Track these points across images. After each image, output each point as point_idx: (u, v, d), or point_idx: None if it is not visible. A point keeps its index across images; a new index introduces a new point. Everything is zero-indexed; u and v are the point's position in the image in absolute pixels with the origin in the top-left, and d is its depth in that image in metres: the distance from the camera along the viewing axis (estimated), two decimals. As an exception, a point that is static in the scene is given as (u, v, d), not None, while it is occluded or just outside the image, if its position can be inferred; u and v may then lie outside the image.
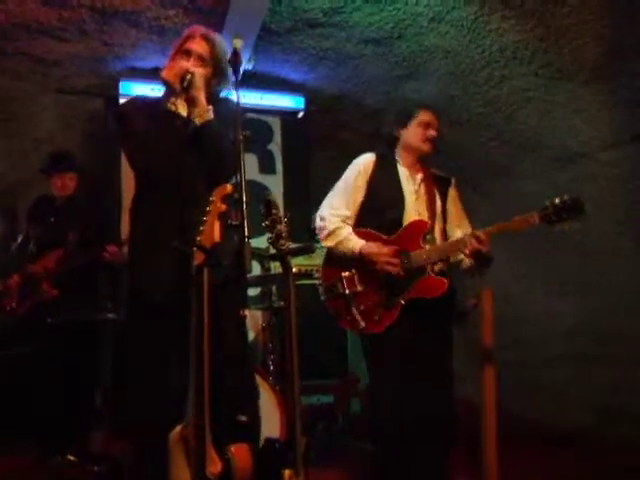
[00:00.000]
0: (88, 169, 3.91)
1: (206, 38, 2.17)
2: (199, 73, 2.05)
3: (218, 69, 2.16)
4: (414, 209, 2.49)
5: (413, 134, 2.55)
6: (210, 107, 2.07)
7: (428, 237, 2.44)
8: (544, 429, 3.83)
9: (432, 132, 2.53)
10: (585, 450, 3.46)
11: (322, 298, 2.55)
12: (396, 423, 2.33)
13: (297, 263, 3.64)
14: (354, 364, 4.22)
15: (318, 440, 3.52)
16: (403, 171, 2.57)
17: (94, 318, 3.34)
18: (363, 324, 2.39)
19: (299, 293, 1.85)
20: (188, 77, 2.02)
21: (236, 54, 2.01)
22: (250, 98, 4.30)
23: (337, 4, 3.36)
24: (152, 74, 4.07)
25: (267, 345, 3.43)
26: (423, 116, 2.55)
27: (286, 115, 4.60)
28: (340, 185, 2.61)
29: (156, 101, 2.18)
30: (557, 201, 2.20)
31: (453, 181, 2.65)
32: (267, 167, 4.52)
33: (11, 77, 3.98)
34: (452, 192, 2.63)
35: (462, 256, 2.45)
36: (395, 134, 2.60)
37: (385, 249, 2.39)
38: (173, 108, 2.08)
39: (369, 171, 2.56)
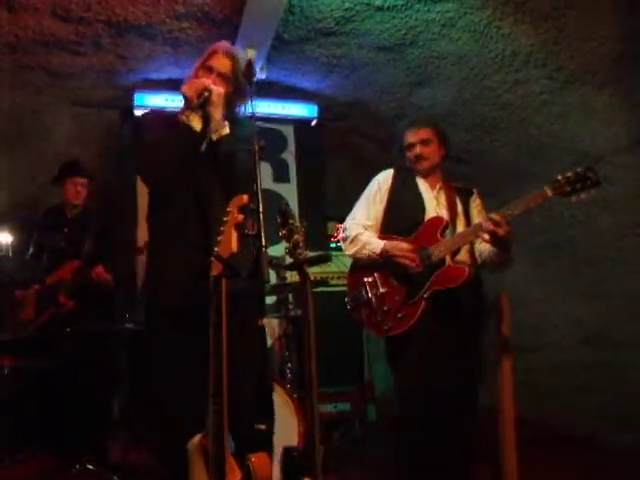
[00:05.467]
0: (104, 179, 3.96)
1: (229, 55, 2.20)
2: (217, 91, 2.07)
3: (239, 86, 2.19)
4: (434, 213, 2.54)
5: (406, 159, 2.66)
6: (226, 123, 2.10)
7: (447, 232, 2.46)
8: (560, 435, 3.79)
9: (415, 151, 2.60)
10: (602, 457, 3.42)
11: (348, 307, 2.60)
12: (422, 426, 2.34)
13: (312, 271, 3.64)
14: (371, 371, 4.22)
15: (336, 448, 3.52)
16: (422, 182, 2.64)
17: (112, 328, 3.37)
18: (388, 324, 2.42)
19: (315, 301, 1.85)
20: (205, 94, 2.04)
21: (250, 64, 2.05)
22: (264, 107, 4.32)
23: (349, 12, 3.38)
24: (166, 85, 4.13)
25: (284, 353, 3.43)
26: (406, 140, 2.64)
27: (300, 123, 4.62)
28: (360, 200, 2.71)
29: (173, 114, 2.20)
30: (569, 173, 2.21)
31: (475, 191, 2.67)
32: (281, 176, 4.55)
33: (29, 91, 4.05)
34: (475, 202, 2.64)
35: (484, 246, 2.45)
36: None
37: (404, 245, 2.44)
38: (187, 122, 2.10)
39: (388, 183, 2.65)
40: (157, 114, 2.36)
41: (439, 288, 2.37)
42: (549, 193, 2.22)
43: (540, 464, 3.04)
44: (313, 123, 4.59)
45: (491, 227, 2.27)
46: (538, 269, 4.43)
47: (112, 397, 3.67)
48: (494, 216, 2.29)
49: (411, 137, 2.62)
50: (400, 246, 2.44)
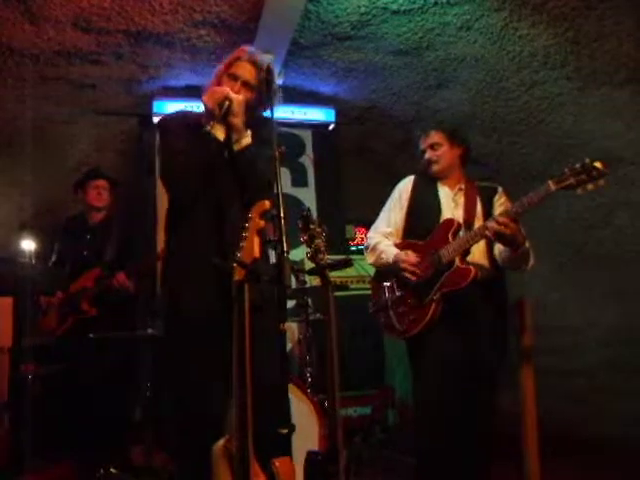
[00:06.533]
0: (124, 186, 4.01)
1: (253, 61, 2.16)
2: (237, 100, 2.05)
3: (262, 92, 2.16)
4: (450, 215, 2.54)
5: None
6: (248, 132, 2.09)
7: (460, 233, 2.46)
8: (581, 437, 3.75)
9: (427, 156, 2.63)
10: (623, 460, 3.37)
11: (370, 311, 2.66)
12: (436, 436, 2.34)
13: (332, 275, 3.65)
14: (390, 374, 4.20)
15: (356, 452, 3.51)
16: (441, 185, 2.65)
17: (134, 334, 3.40)
18: (400, 326, 2.47)
19: (335, 305, 1.85)
20: (226, 104, 2.02)
21: (269, 71, 2.05)
22: (281, 112, 4.34)
23: (365, 17, 3.39)
24: (184, 92, 4.18)
25: (304, 357, 3.43)
26: (421, 145, 2.67)
27: (317, 128, 4.64)
28: (383, 209, 2.76)
29: (198, 119, 2.18)
30: (576, 165, 2.17)
31: (500, 189, 2.65)
32: (299, 180, 4.57)
33: (51, 101, 4.13)
34: (500, 200, 2.61)
35: (501, 246, 2.43)
36: None
37: (412, 257, 2.46)
38: (210, 131, 2.07)
39: (409, 191, 2.69)
40: (181, 116, 2.31)
41: (448, 289, 2.38)
42: (552, 187, 2.19)
43: (559, 466, 3.00)
44: (330, 127, 4.62)
45: (495, 227, 2.26)
46: (558, 270, 4.39)
47: (134, 401, 3.71)
48: (498, 216, 2.28)
49: (421, 143, 2.67)
50: (405, 258, 2.48)
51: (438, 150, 2.61)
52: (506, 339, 2.51)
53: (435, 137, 2.62)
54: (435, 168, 2.62)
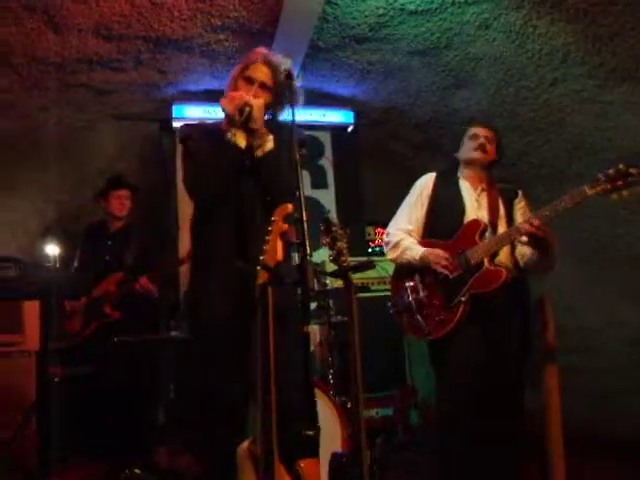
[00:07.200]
0: (145, 190, 4.06)
1: (268, 63, 2.16)
2: (257, 105, 2.05)
3: (280, 93, 2.17)
4: (474, 216, 2.53)
5: (465, 148, 2.66)
6: (270, 137, 2.09)
7: (486, 235, 2.45)
8: (606, 438, 3.69)
9: (480, 140, 2.60)
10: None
11: (390, 311, 2.64)
12: (460, 437, 2.34)
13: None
14: (412, 375, 4.19)
15: (379, 454, 3.50)
16: (464, 184, 2.64)
17: (157, 337, 3.44)
18: (427, 328, 2.45)
19: (357, 307, 1.86)
20: (247, 110, 2.02)
21: (289, 74, 2.06)
22: (300, 114, 4.33)
23: (383, 18, 3.39)
24: (203, 96, 4.22)
25: (326, 359, 3.43)
26: (472, 131, 2.66)
27: (336, 130, 4.66)
28: (402, 205, 2.73)
29: (217, 127, 2.19)
30: (610, 170, 2.16)
31: (520, 193, 2.64)
32: (319, 182, 4.58)
33: (73, 108, 4.20)
34: (520, 204, 2.61)
35: (525, 249, 2.43)
36: (456, 156, 2.72)
37: (442, 252, 2.45)
38: (232, 139, 2.08)
39: (430, 188, 2.67)
40: (200, 127, 2.33)
41: (477, 291, 2.37)
42: (588, 192, 2.18)
43: (585, 465, 2.97)
44: (349, 129, 4.63)
45: (528, 229, 2.25)
46: (583, 270, 4.34)
47: (157, 403, 3.74)
48: (532, 219, 2.27)
49: (479, 130, 2.65)
50: (436, 253, 2.46)
51: (490, 144, 2.62)
52: (530, 338, 2.49)
53: (489, 133, 2.64)
54: (482, 156, 2.61)
